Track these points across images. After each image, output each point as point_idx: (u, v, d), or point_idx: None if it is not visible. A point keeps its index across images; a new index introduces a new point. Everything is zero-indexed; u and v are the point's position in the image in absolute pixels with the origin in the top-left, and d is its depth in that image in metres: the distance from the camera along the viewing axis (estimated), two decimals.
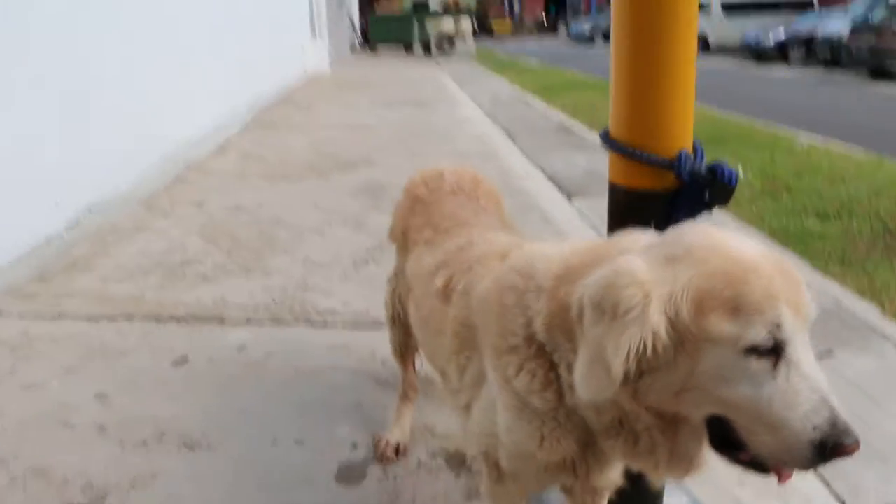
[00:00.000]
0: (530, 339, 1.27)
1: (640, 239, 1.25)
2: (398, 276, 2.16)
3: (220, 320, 3.17)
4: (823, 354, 2.83)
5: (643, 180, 1.55)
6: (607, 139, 1.58)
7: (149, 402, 2.53)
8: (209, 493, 2.08)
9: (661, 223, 1.39)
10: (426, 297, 1.70)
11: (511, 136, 7.79)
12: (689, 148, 1.52)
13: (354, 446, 2.30)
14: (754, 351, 1.03)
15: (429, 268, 1.73)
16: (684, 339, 1.05)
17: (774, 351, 1.03)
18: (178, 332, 3.06)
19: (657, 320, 1.04)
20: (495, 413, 1.37)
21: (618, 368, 1.05)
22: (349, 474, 2.17)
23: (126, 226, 4.56)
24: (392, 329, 2.24)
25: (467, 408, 1.50)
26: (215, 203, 5.12)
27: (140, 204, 5.07)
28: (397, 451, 2.25)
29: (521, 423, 1.31)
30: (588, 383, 1.10)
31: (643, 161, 1.51)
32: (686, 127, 1.52)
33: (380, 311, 3.18)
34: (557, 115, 9.81)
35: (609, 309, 1.06)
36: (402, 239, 2.06)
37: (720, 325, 1.03)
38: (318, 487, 2.11)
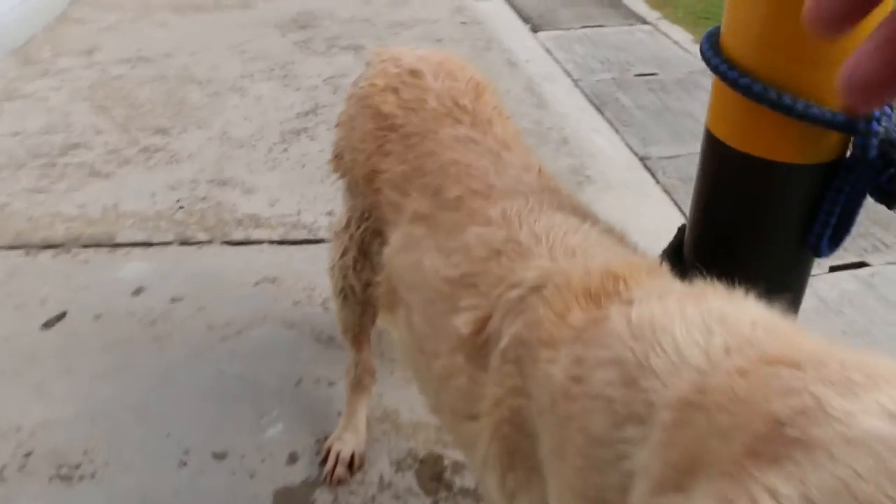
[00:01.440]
0: None
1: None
2: (350, 230, 1.43)
3: (111, 244, 2.42)
4: None
5: (783, 146, 0.83)
6: (723, 66, 0.83)
7: (3, 398, 1.87)
8: None
9: (797, 218, 0.85)
10: (435, 335, 0.99)
11: None
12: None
13: (292, 459, 1.69)
14: None
15: (436, 278, 1.00)
16: None
17: None
18: (51, 271, 2.32)
19: None
20: None
21: None
22: None
23: None
24: (342, 307, 1.55)
25: None
26: (111, 51, 4.12)
27: (12, 56, 4.05)
28: (351, 464, 1.65)
29: None
30: None
31: (797, 115, 0.78)
32: None
33: (314, 215, 2.51)
34: None
35: None
36: (365, 186, 1.32)
37: None
38: None
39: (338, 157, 1.45)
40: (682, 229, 1.03)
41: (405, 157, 1.21)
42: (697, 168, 0.97)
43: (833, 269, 2.37)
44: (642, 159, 3.14)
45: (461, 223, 1.01)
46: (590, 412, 0.64)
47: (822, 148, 0.83)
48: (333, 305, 1.57)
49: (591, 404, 0.65)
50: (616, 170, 2.95)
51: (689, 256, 0.99)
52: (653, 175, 2.98)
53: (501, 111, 1.30)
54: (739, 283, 0.64)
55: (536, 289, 0.80)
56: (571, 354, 0.71)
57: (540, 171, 1.16)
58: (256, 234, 2.46)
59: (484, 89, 1.29)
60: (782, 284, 0.94)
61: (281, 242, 2.42)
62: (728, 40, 0.85)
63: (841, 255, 2.40)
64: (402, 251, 1.10)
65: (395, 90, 1.28)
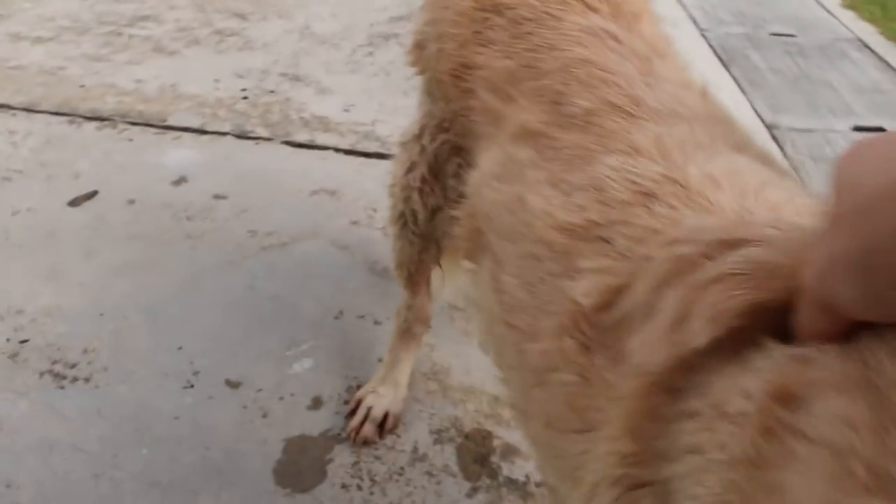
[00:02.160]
0: None
1: None
2: (423, 141, 1.11)
3: (162, 124, 2.16)
4: None
5: None
6: None
7: (11, 274, 1.64)
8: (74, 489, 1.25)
9: None
10: (536, 306, 0.66)
11: None
12: None
13: (316, 404, 1.41)
14: None
15: (546, 224, 0.67)
16: None
17: None
18: (92, 144, 2.07)
19: None
20: None
21: None
22: (297, 465, 1.30)
23: None
24: (399, 236, 1.22)
25: None
26: None
27: None
28: (383, 424, 1.36)
29: None
30: None
31: None
32: None
33: (390, 128, 2.19)
34: None
35: None
36: (452, 86, 0.98)
37: None
38: (244, 483, 1.26)
39: (419, 47, 1.11)
40: None
41: (513, 50, 0.87)
42: None
43: None
44: (770, 127, 2.71)
45: (590, 149, 0.69)
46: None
47: None
48: (390, 232, 1.26)
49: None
50: None
51: None
52: (780, 147, 2.56)
53: (651, 6, 0.95)
54: None
55: (729, 245, 0.46)
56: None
57: (705, 94, 0.82)
58: (323, 138, 2.16)
59: None
60: None
61: (348, 152, 2.11)
62: None
63: None
64: (496, 180, 0.77)
65: None
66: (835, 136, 2.69)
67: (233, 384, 1.43)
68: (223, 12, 2.90)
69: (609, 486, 0.49)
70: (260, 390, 1.42)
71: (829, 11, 3.86)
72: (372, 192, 1.91)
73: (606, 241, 0.58)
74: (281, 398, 1.41)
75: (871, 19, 3.78)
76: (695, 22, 3.62)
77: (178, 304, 1.58)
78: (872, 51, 3.49)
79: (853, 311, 0.37)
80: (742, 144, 0.68)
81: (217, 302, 1.59)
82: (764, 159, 0.67)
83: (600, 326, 0.54)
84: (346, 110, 2.31)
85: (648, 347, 0.47)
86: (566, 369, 0.57)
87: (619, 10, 0.88)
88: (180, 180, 1.93)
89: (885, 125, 2.80)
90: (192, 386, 1.42)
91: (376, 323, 1.57)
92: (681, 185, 0.56)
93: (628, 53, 0.81)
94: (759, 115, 2.81)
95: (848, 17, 3.74)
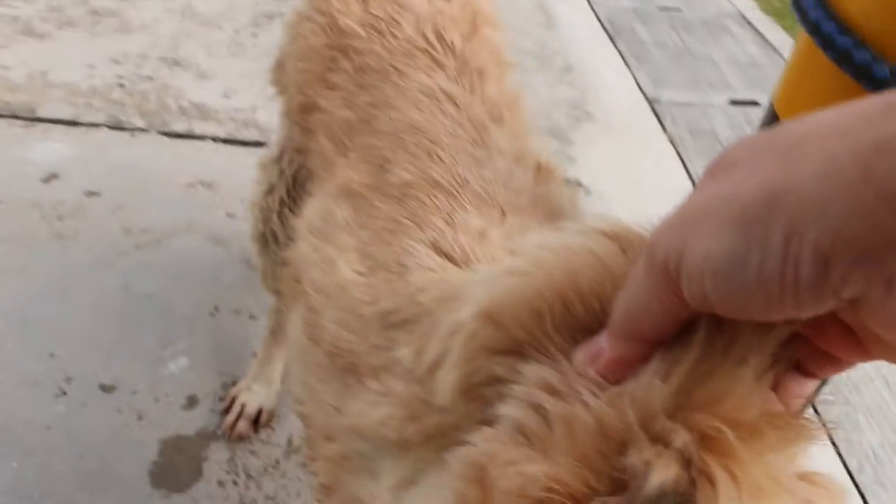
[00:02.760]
0: None
1: None
2: (282, 164, 1.12)
3: (30, 116, 2.09)
4: None
5: None
6: (830, 23, 0.54)
7: None
8: None
9: None
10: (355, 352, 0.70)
11: None
12: None
13: (191, 403, 1.44)
14: None
15: (354, 300, 0.71)
16: None
17: None
18: None
19: None
20: None
21: None
22: (173, 465, 1.34)
23: None
24: (261, 254, 1.24)
25: None
26: None
27: None
28: (257, 420, 1.40)
29: None
30: None
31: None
32: None
33: (271, 114, 2.17)
34: None
35: None
36: (300, 119, 1.00)
37: None
38: (119, 488, 1.29)
39: (279, 66, 1.12)
40: None
41: (354, 100, 0.88)
42: None
43: None
44: (651, 102, 2.82)
45: (401, 225, 0.71)
46: None
47: None
48: (251, 248, 1.28)
49: None
50: (620, 109, 2.63)
51: None
52: (660, 121, 2.67)
53: (502, 58, 0.96)
54: None
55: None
56: None
57: (539, 167, 0.81)
58: (200, 127, 2.14)
59: (484, 21, 0.94)
60: None
61: (226, 141, 2.10)
62: None
63: None
64: (314, 234, 0.79)
65: (365, 1, 0.94)
66: (713, 111, 2.81)
67: (107, 388, 1.44)
68: None
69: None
70: (135, 393, 1.44)
71: None
72: (249, 182, 1.91)
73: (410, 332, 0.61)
74: (156, 399, 1.43)
75: None
76: None
77: (49, 309, 1.56)
78: (752, 25, 3.64)
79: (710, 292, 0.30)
80: (538, 194, 0.71)
81: (90, 304, 1.59)
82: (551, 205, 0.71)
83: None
84: (226, 96, 2.28)
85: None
86: (388, 409, 0.61)
87: (464, 68, 0.88)
88: (50, 177, 1.89)
89: (758, 99, 2.94)
90: (64, 393, 1.42)
91: (251, 317, 1.60)
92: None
93: (464, 122, 0.81)
94: (641, 90, 2.91)
95: None
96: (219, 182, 1.94)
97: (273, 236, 1.19)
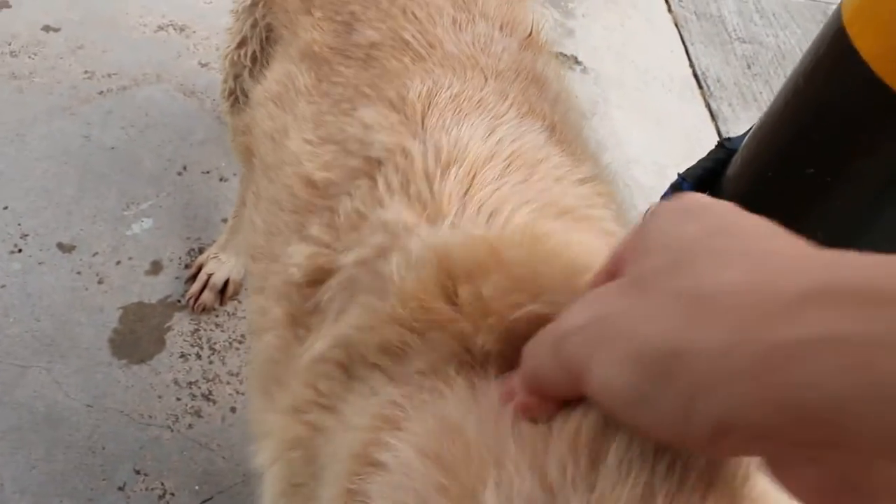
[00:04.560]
0: None
1: None
2: (256, 14, 0.97)
3: None
4: None
5: None
6: None
7: None
8: None
9: None
10: (271, 256, 0.62)
11: None
12: None
13: (155, 268, 1.36)
14: None
15: (295, 172, 0.61)
16: None
17: None
18: None
19: None
20: None
21: None
22: (134, 334, 1.28)
23: None
24: (230, 112, 1.10)
25: None
26: None
27: None
28: (224, 291, 1.33)
29: None
30: None
31: None
32: None
33: None
34: None
35: None
36: None
37: None
38: (77, 354, 1.24)
39: None
40: (723, 148, 0.63)
41: None
42: (794, 80, 0.55)
43: None
44: None
45: (359, 92, 0.61)
46: None
47: None
48: (221, 107, 1.15)
49: None
50: None
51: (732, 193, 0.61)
52: (667, 0, 2.45)
53: None
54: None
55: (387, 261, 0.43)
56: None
57: (531, 36, 0.71)
58: None
59: None
60: None
61: None
62: None
63: None
64: (273, 102, 0.68)
65: None
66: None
67: (66, 248, 1.36)
68: None
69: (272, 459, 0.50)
70: (95, 254, 1.36)
71: None
72: (226, 28, 1.74)
73: (332, 211, 0.53)
74: (118, 262, 1.36)
75: None
76: None
77: (3, 158, 1.45)
78: None
79: (597, 395, 0.31)
80: (539, 110, 0.60)
81: (48, 154, 1.47)
82: (564, 134, 0.59)
83: (303, 306, 0.51)
84: None
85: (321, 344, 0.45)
86: (272, 332, 0.54)
87: None
88: (1, 4, 1.70)
89: None
90: (19, 250, 1.34)
91: (222, 179, 1.50)
92: (408, 160, 0.50)
93: None
94: None
95: None
96: (192, 26, 1.76)
97: (245, 95, 1.07)
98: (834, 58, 0.52)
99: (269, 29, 0.98)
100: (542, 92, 0.63)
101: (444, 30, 0.64)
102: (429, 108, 0.54)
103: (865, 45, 0.50)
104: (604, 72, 2.07)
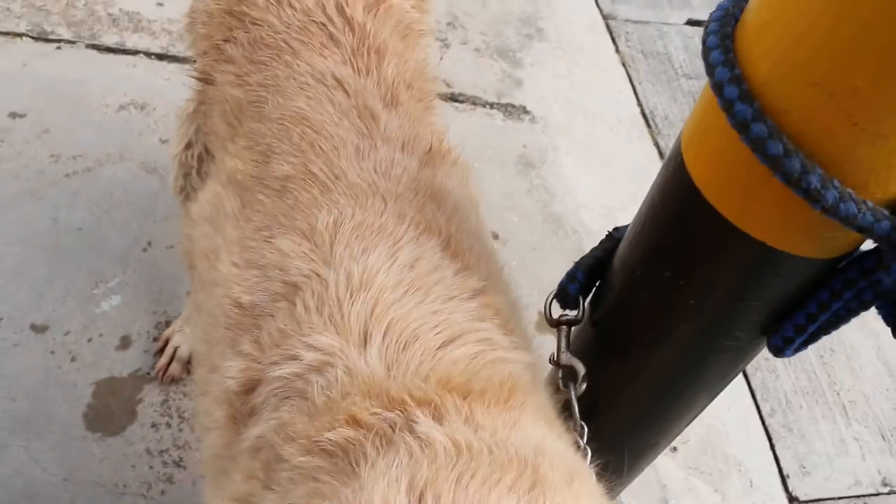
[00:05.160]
0: None
1: None
2: (198, 121, 1.07)
3: None
4: None
5: (787, 231, 0.57)
6: (734, 87, 0.51)
7: None
8: None
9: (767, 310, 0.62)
10: (210, 362, 0.73)
11: None
12: None
13: (125, 343, 1.45)
14: None
15: (226, 293, 0.71)
16: None
17: None
18: None
19: None
20: None
21: None
22: (107, 407, 1.36)
23: None
24: (183, 204, 1.20)
25: None
26: None
27: None
28: (190, 363, 1.42)
29: None
30: None
31: (821, 206, 0.50)
32: None
33: None
34: None
35: None
36: (199, 84, 0.97)
37: None
38: (54, 431, 1.31)
39: (191, 18, 1.06)
40: (612, 238, 0.73)
41: (246, 79, 0.84)
42: (651, 194, 0.66)
43: None
44: (606, 18, 2.70)
45: (277, 221, 0.70)
46: None
47: (836, 244, 0.55)
48: (174, 199, 1.25)
49: None
50: (574, 27, 2.54)
51: (620, 276, 0.71)
52: (613, 41, 2.57)
53: (410, 29, 0.91)
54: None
55: (308, 377, 0.54)
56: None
57: (430, 151, 0.79)
58: (133, 40, 2.03)
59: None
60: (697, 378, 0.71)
61: (161, 57, 2.00)
62: (753, 45, 0.51)
63: None
64: (207, 222, 0.78)
65: None
66: (668, 29, 2.72)
67: (39, 328, 1.44)
68: None
69: None
70: (67, 333, 1.44)
71: None
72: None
73: (258, 329, 0.63)
74: (89, 340, 1.44)
75: None
76: None
77: None
78: None
79: None
80: (435, 227, 0.69)
81: (18, 238, 1.55)
82: (461, 249, 0.69)
83: (240, 410, 0.61)
84: (160, 3, 2.16)
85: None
86: (217, 431, 0.64)
87: (361, 46, 0.84)
88: None
89: None
90: None
91: None
92: (323, 286, 0.61)
93: (349, 110, 0.79)
94: (598, 5, 2.79)
95: None
96: (152, 103, 1.86)
97: (194, 190, 1.16)
98: (676, 179, 0.62)
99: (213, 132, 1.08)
100: (440, 205, 0.72)
101: (347, 160, 0.73)
102: (335, 236, 0.64)
103: (696, 171, 0.60)
104: (552, 119, 2.18)
